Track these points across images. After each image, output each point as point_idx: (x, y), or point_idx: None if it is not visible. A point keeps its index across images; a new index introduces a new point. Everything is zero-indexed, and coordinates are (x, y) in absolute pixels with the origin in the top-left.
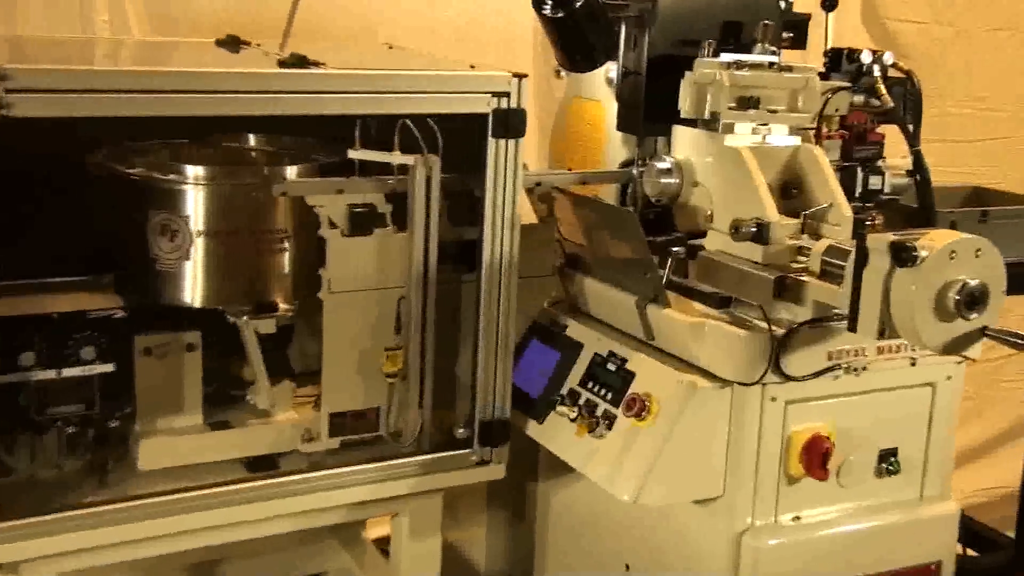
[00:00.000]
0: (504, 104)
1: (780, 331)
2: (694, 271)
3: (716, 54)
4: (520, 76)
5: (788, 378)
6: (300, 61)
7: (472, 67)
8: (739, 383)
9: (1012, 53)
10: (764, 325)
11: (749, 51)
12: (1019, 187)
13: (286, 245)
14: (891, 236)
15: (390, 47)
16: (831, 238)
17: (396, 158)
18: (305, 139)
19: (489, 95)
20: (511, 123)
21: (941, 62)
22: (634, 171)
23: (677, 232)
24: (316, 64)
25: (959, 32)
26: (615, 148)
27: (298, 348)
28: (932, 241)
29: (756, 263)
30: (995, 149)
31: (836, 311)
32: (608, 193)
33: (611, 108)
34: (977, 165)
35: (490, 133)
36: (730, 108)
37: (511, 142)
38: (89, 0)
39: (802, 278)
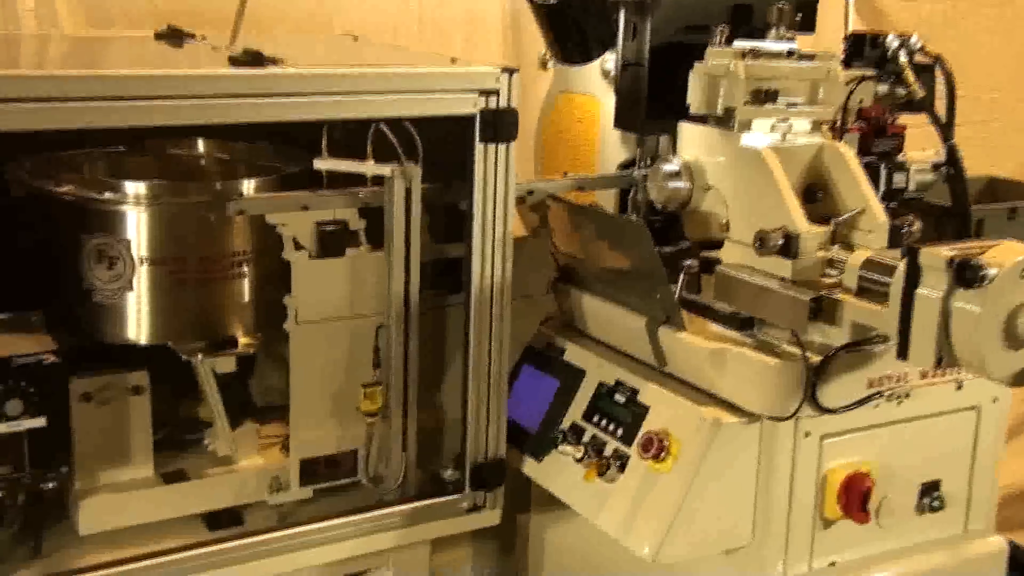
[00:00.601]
0: (492, 103)
1: (815, 358)
2: (710, 287)
3: (729, 41)
4: (510, 71)
5: (825, 410)
6: (254, 58)
7: (453, 61)
8: (770, 417)
9: (1004, 34)
10: (794, 350)
11: (762, 37)
12: (1018, 173)
13: (245, 270)
14: (947, 251)
15: (355, 38)
16: (865, 247)
17: (370, 168)
18: (263, 145)
19: (475, 93)
20: (501, 125)
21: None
22: (636, 174)
23: (686, 242)
24: (273, 61)
25: (950, 8)
26: (612, 148)
27: (260, 380)
28: (998, 257)
29: (784, 280)
30: (987, 134)
31: (876, 332)
32: (606, 199)
33: (607, 103)
34: (969, 150)
35: (477, 137)
36: (746, 103)
37: (501, 147)
38: None
39: (837, 297)
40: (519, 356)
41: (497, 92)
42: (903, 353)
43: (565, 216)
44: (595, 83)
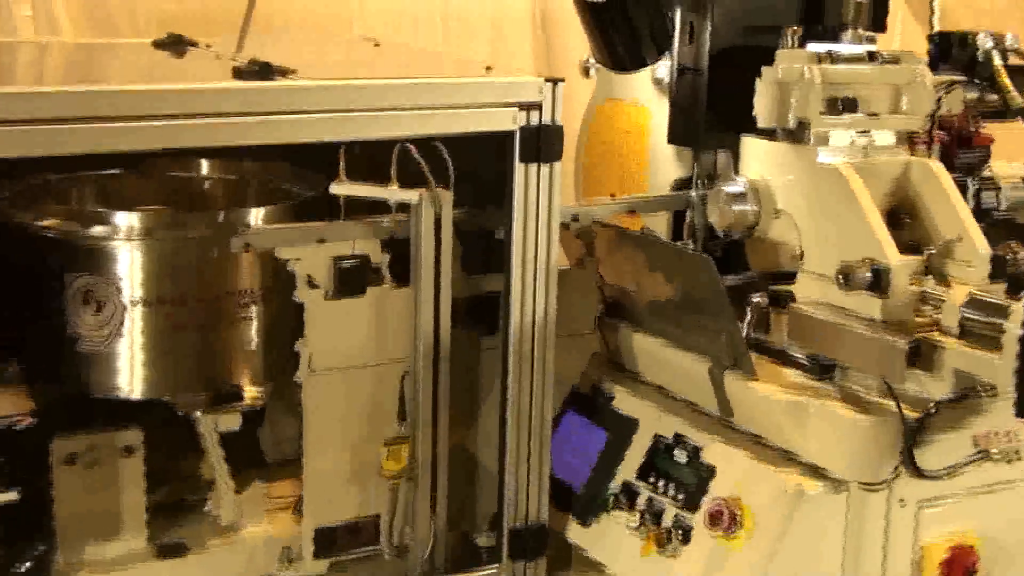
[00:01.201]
0: (534, 119)
1: (912, 413)
2: (781, 326)
3: (802, 44)
4: (555, 81)
5: (924, 474)
6: (261, 69)
7: (488, 70)
8: (860, 483)
9: None
10: (887, 404)
11: (837, 38)
12: None
13: (252, 312)
14: None
15: (376, 43)
16: (964, 281)
17: (394, 193)
18: (276, 164)
19: (515, 108)
20: (544, 143)
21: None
22: (693, 195)
23: (750, 272)
24: (283, 72)
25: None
26: (664, 165)
27: (271, 430)
28: None
29: (872, 320)
30: None
31: (983, 382)
32: (658, 223)
33: (659, 114)
34: None
35: (517, 157)
36: (822, 114)
37: (544, 168)
38: None
39: (938, 341)
40: (562, 401)
41: (539, 106)
42: (1022, 410)
43: (614, 244)
44: (645, 90)
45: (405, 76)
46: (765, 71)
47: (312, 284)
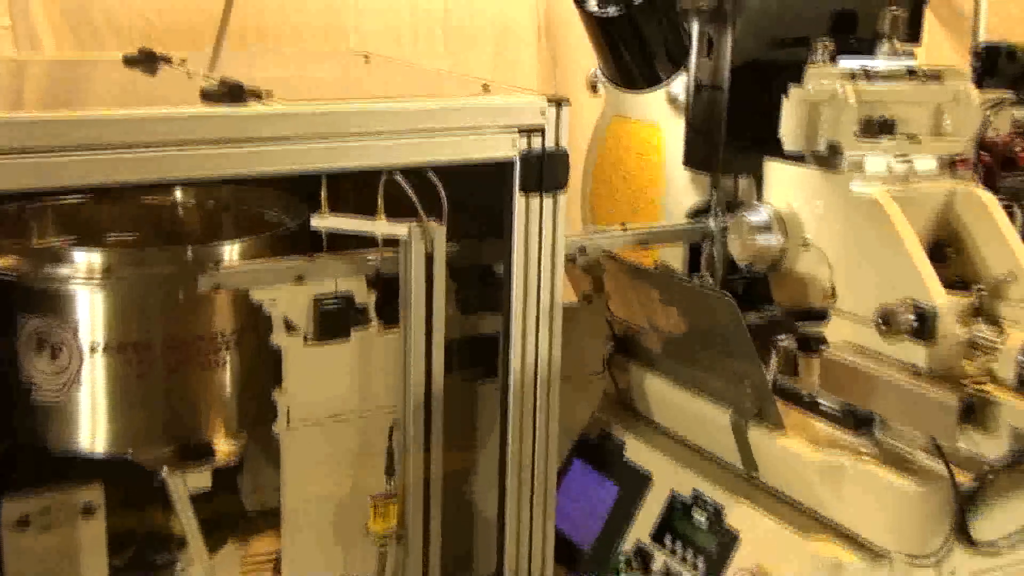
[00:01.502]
0: (536, 144)
1: (964, 478)
2: (811, 371)
3: (833, 58)
4: (558, 102)
5: (979, 546)
6: (232, 92)
7: (486, 88)
8: (906, 556)
9: None
10: (935, 465)
11: (871, 52)
12: None
13: (224, 358)
14: None
15: (366, 57)
16: (1020, 325)
17: (381, 226)
18: (255, 189)
19: (514, 132)
20: (548, 171)
21: None
22: (712, 224)
23: (774, 308)
24: (257, 95)
25: None
26: (679, 190)
27: (250, 478)
28: None
29: (917, 369)
30: None
31: None
32: (672, 254)
33: (673, 134)
34: None
35: (517, 186)
36: (856, 136)
37: (548, 198)
38: None
39: (992, 395)
40: (568, 449)
41: (542, 130)
42: None
43: (625, 279)
44: (658, 108)
45: (393, 97)
46: (793, 89)
47: (290, 327)
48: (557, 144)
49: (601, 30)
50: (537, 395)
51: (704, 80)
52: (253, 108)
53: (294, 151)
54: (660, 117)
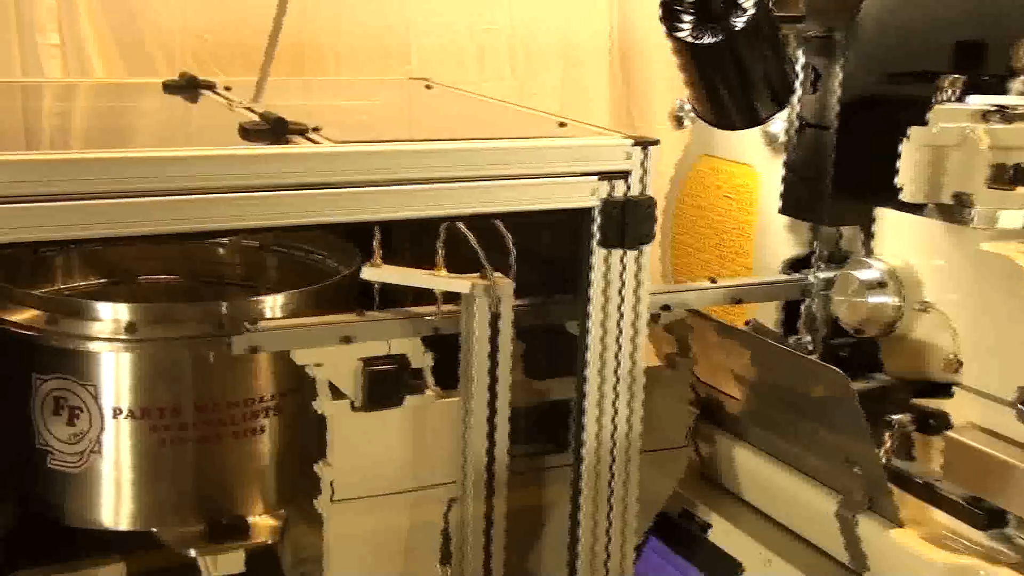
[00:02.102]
0: (619, 191)
1: None
2: (929, 453)
3: (962, 96)
4: (646, 144)
5: None
6: (275, 126)
7: (561, 125)
8: None
9: None
10: None
11: (1002, 90)
12: None
13: (262, 425)
14: None
15: (428, 85)
16: None
17: (441, 280)
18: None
19: (595, 178)
20: (631, 223)
21: None
22: (812, 280)
23: (883, 375)
24: (302, 132)
25: None
26: (774, 239)
27: (293, 546)
28: None
29: None
30: None
31: None
32: (765, 311)
33: (770, 176)
34: None
35: (596, 239)
36: (988, 186)
37: (631, 254)
38: (30, 17)
39: None
40: (646, 528)
41: (626, 174)
42: None
43: (714, 339)
44: (752, 147)
45: (456, 136)
46: (914, 131)
47: (337, 392)
48: (643, 191)
49: (694, 60)
50: (614, 473)
51: (808, 117)
52: (295, 147)
53: (343, 198)
54: (755, 157)
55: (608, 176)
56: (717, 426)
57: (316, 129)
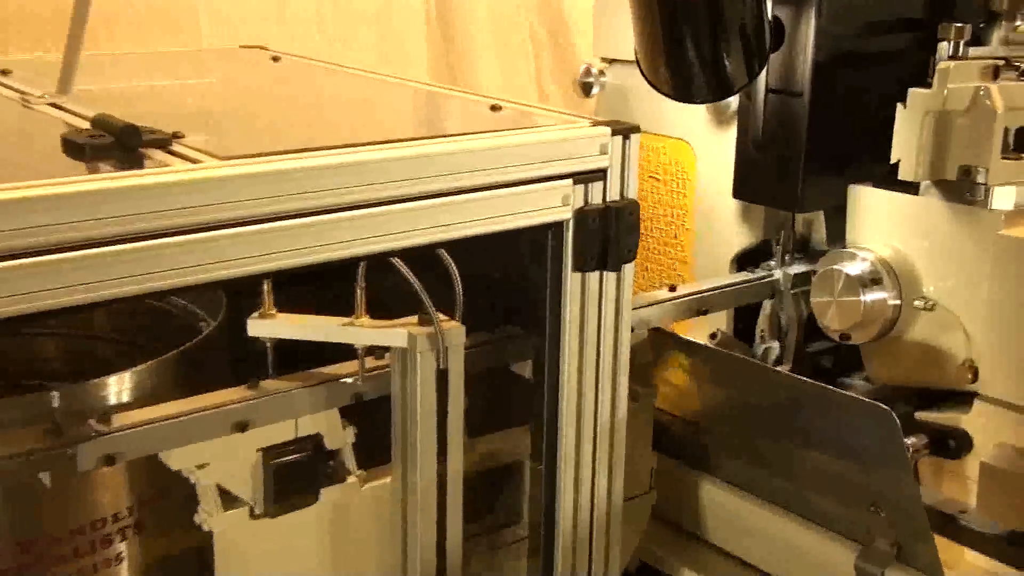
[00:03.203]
0: (595, 196)
1: None
2: (944, 479)
3: (964, 50)
4: (626, 132)
5: None
6: (123, 138)
7: (496, 109)
8: None
9: None
10: None
11: (978, 40)
12: None
13: (118, 550)
14: None
15: (274, 57)
16: None
17: (366, 333)
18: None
19: (567, 181)
20: (614, 236)
21: None
22: (778, 276)
23: (867, 380)
24: (163, 142)
25: None
26: (719, 228)
27: None
28: None
29: None
30: None
31: None
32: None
33: (709, 153)
34: None
35: (569, 260)
36: (1005, 157)
37: (611, 276)
38: None
39: None
40: None
41: (603, 174)
42: None
43: (679, 361)
44: (686, 118)
45: (378, 138)
46: (914, 95)
47: (228, 498)
48: (624, 193)
49: (660, 8)
50: (593, 546)
51: (775, 83)
52: (170, 171)
53: (247, 241)
54: (690, 131)
55: (583, 178)
56: (686, 465)
57: (176, 136)
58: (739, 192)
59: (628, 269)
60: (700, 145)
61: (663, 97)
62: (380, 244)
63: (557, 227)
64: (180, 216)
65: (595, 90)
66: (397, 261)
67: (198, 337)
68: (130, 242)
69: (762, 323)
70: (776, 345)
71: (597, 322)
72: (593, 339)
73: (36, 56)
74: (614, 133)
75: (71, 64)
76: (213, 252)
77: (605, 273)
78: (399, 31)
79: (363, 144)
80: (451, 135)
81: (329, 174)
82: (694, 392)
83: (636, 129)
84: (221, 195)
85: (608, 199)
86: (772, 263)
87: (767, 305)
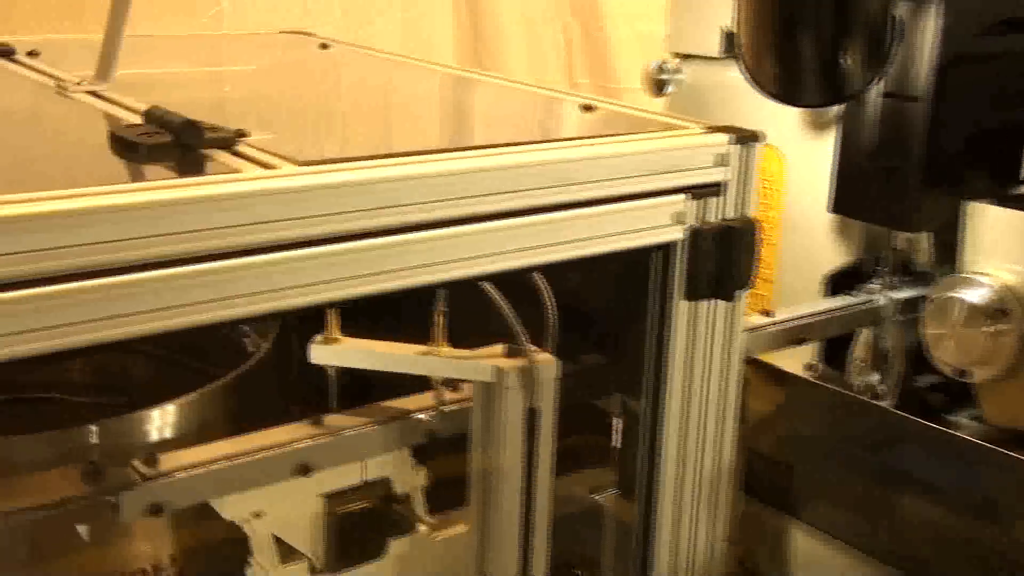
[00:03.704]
0: (712, 213)
1: None
2: None
3: None
4: (746, 139)
5: None
6: (185, 134)
7: (588, 110)
8: None
9: None
10: None
11: None
12: None
13: None
14: None
15: (323, 44)
16: None
17: (445, 364)
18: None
19: (681, 196)
20: (732, 259)
21: None
22: (882, 302)
23: (977, 419)
24: (227, 141)
25: None
26: (810, 245)
27: None
28: None
29: None
30: None
31: None
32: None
33: (802, 161)
34: None
35: (678, 288)
36: None
37: (724, 305)
38: None
39: None
40: None
41: (719, 188)
42: None
43: (772, 395)
44: (778, 122)
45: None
46: None
47: (287, 551)
48: (742, 211)
49: (777, 5)
50: None
51: (887, 86)
52: (244, 177)
53: (325, 263)
54: (781, 136)
55: (699, 192)
56: (770, 505)
57: (240, 135)
58: (839, 206)
59: (742, 297)
60: (792, 152)
61: (748, 98)
62: (472, 268)
63: (664, 249)
64: (259, 232)
65: (669, 88)
66: (487, 286)
67: (250, 360)
68: (201, 262)
69: (858, 353)
70: (876, 378)
71: (706, 356)
72: (700, 375)
73: (47, 37)
74: (736, 140)
75: (112, 47)
76: (294, 275)
77: (718, 302)
78: (424, 16)
79: (456, 149)
80: (556, 140)
81: (423, 185)
82: (787, 429)
83: (758, 136)
84: (304, 208)
85: (726, 217)
86: (873, 286)
87: (863, 332)
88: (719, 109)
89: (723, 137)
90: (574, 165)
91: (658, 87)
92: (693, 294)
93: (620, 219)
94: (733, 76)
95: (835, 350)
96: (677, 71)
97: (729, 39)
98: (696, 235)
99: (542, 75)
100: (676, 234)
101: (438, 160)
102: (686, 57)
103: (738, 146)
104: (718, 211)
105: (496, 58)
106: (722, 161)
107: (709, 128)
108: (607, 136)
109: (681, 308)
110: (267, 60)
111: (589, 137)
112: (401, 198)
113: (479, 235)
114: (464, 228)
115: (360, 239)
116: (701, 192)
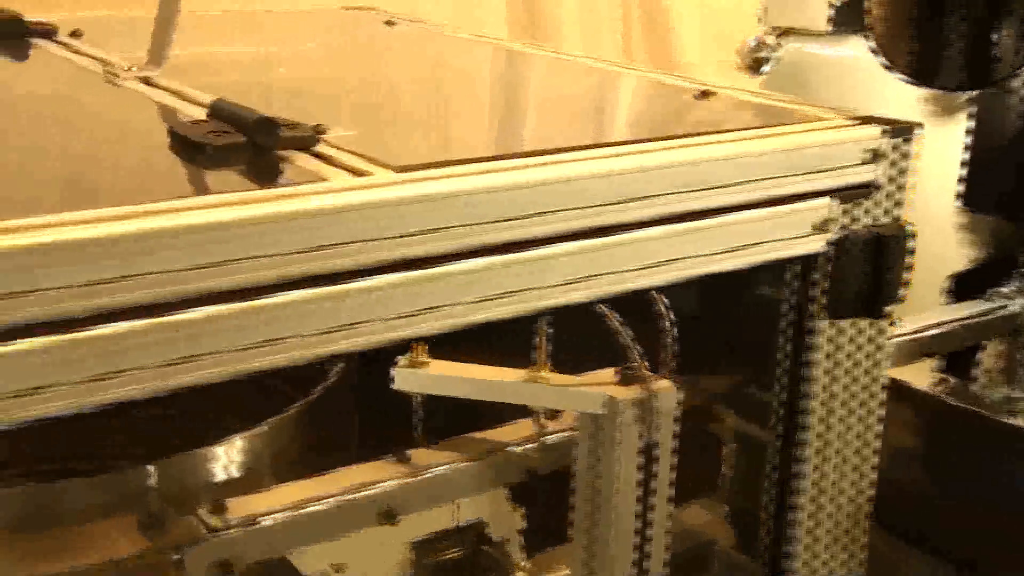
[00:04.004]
0: (860, 219)
1: None
2: None
3: None
4: (904, 130)
5: None
6: (261, 130)
7: (704, 96)
8: None
9: None
10: None
11: None
12: None
13: None
14: None
15: (389, 21)
16: None
17: (548, 393)
18: None
19: (825, 200)
20: (884, 271)
21: None
22: (1017, 307)
23: None
24: (307, 141)
25: None
26: (934, 241)
27: None
28: None
29: None
30: None
31: None
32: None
33: (931, 149)
34: None
35: (818, 304)
36: None
37: (870, 324)
38: None
39: None
40: None
41: (870, 189)
42: None
43: (900, 416)
44: (894, 107)
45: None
46: None
47: None
48: (897, 215)
49: None
50: None
51: None
52: (335, 188)
53: (427, 287)
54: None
55: (846, 195)
56: (890, 535)
57: (321, 132)
58: (970, 199)
59: (891, 310)
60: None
61: (860, 78)
62: (591, 290)
63: (804, 260)
64: (352, 255)
65: (767, 67)
66: (604, 307)
67: (321, 385)
68: (289, 291)
69: (988, 364)
70: (1015, 392)
71: (849, 380)
72: (842, 401)
73: (96, 12)
74: (893, 132)
75: (166, 27)
76: (386, 304)
77: (865, 320)
78: None
79: (570, 150)
80: (690, 136)
81: (545, 194)
82: (915, 454)
83: (915, 128)
84: (403, 224)
85: (876, 223)
86: (1006, 290)
87: (999, 343)
88: (823, 90)
89: (875, 130)
90: (705, 167)
91: (755, 66)
92: (837, 312)
93: (755, 229)
94: (842, 53)
95: (954, 357)
96: (775, 48)
97: (840, 11)
98: (842, 244)
99: (595, 48)
100: (819, 244)
101: (559, 163)
102: (785, 32)
103: (893, 140)
104: (867, 216)
105: (547, 30)
106: (874, 158)
107: (857, 119)
108: (739, 131)
109: (821, 328)
110: (331, 39)
111: (717, 132)
112: (515, 210)
113: (602, 250)
114: (588, 243)
115: (465, 259)
116: (848, 195)
